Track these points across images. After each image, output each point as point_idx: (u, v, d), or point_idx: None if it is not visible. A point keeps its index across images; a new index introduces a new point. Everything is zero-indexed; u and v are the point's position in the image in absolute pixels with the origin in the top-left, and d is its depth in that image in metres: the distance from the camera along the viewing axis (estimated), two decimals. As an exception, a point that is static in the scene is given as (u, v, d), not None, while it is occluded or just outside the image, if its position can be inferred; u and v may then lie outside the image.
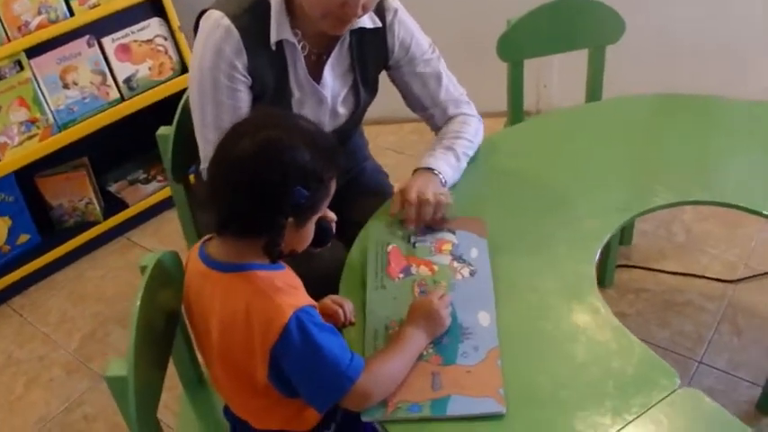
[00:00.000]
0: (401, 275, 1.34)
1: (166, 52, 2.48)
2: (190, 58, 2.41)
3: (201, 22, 1.45)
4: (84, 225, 2.45)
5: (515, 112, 2.24)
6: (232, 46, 1.40)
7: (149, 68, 2.45)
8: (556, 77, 2.93)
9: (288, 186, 1.04)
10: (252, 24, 1.41)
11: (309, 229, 1.13)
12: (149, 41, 2.45)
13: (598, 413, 1.10)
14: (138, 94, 2.43)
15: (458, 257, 1.38)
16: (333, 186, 1.13)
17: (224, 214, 1.08)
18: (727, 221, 2.37)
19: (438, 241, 1.41)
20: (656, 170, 1.59)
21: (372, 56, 1.55)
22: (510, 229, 1.45)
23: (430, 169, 1.49)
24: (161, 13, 2.46)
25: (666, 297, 2.15)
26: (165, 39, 2.48)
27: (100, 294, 2.34)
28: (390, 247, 1.40)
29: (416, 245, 1.41)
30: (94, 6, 2.30)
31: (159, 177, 2.63)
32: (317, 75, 1.52)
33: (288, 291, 1.08)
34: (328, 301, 1.27)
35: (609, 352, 1.21)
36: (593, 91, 2.27)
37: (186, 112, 1.68)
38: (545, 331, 1.26)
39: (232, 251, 1.10)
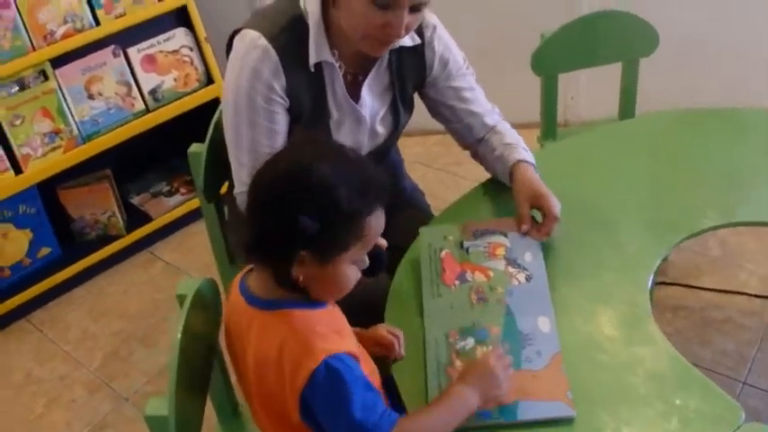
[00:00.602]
0: (457, 282, 1.32)
1: (192, 63, 2.44)
2: (215, 69, 2.44)
3: (236, 42, 1.41)
4: (107, 238, 2.41)
5: (549, 125, 2.21)
6: (270, 67, 1.36)
7: (175, 79, 2.42)
8: (584, 89, 2.88)
9: (296, 213, 0.98)
10: (289, 44, 1.37)
11: (341, 271, 1.04)
12: (175, 52, 2.42)
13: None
14: (163, 106, 2.39)
15: (512, 261, 1.36)
16: (370, 225, 1.04)
17: (249, 237, 1.05)
18: (763, 235, 2.32)
19: (491, 245, 1.39)
20: (700, 189, 1.54)
21: (412, 73, 1.52)
22: (557, 256, 1.40)
23: (532, 165, 1.49)
24: (187, 23, 2.43)
25: (705, 314, 2.10)
26: (191, 49, 2.44)
27: (122, 311, 2.30)
28: (444, 252, 1.38)
29: (470, 250, 1.38)
30: (120, 16, 2.26)
31: (183, 190, 2.60)
32: (354, 94, 1.48)
33: (327, 335, 1.03)
34: (383, 330, 1.22)
35: (669, 385, 1.16)
36: (627, 104, 2.24)
37: (219, 129, 1.64)
38: (602, 363, 1.21)
39: (267, 285, 1.07)
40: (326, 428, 1.03)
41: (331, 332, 1.04)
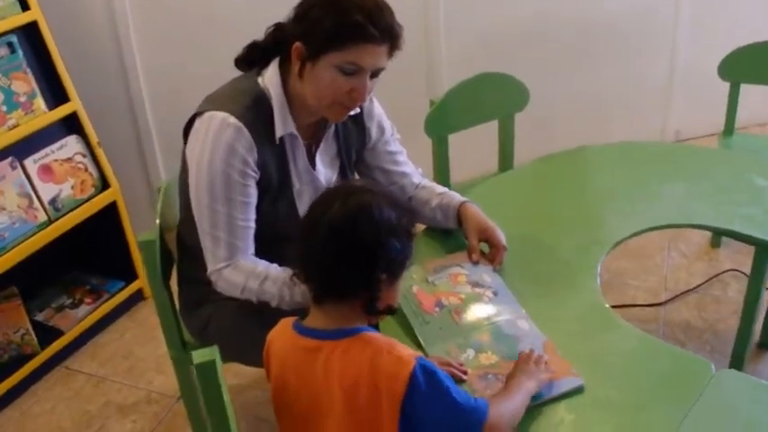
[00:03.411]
0: (437, 309, 1.45)
1: (86, 169, 2.43)
2: (110, 173, 2.44)
3: (201, 125, 1.47)
4: (21, 358, 2.28)
5: (443, 183, 2.41)
6: (244, 144, 1.43)
7: (72, 187, 2.38)
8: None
9: (382, 243, 1.11)
10: (257, 121, 1.46)
11: (400, 284, 1.19)
12: (69, 159, 2.39)
13: (656, 409, 1.23)
14: (63, 215, 2.34)
15: (475, 283, 1.52)
16: None
17: (323, 282, 1.13)
18: (639, 256, 2.64)
19: (452, 275, 1.54)
20: (609, 208, 1.81)
21: (355, 140, 1.66)
22: (508, 276, 1.56)
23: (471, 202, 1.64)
24: (78, 130, 2.42)
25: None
26: (84, 156, 2.43)
27: (56, 428, 2.16)
28: (415, 288, 1.51)
29: (435, 282, 1.52)
30: (13, 127, 2.23)
31: (87, 300, 2.52)
32: (311, 164, 1.59)
33: (404, 346, 1.13)
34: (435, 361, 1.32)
35: (642, 357, 1.36)
36: (506, 156, 2.48)
37: (165, 217, 1.69)
38: (582, 350, 1.37)
39: (337, 318, 1.15)
40: (430, 425, 1.10)
41: (399, 343, 1.15)
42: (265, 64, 1.51)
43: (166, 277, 1.72)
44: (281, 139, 1.50)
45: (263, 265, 1.50)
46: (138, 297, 2.61)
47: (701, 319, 2.36)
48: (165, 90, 2.69)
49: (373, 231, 1.10)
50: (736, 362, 2.05)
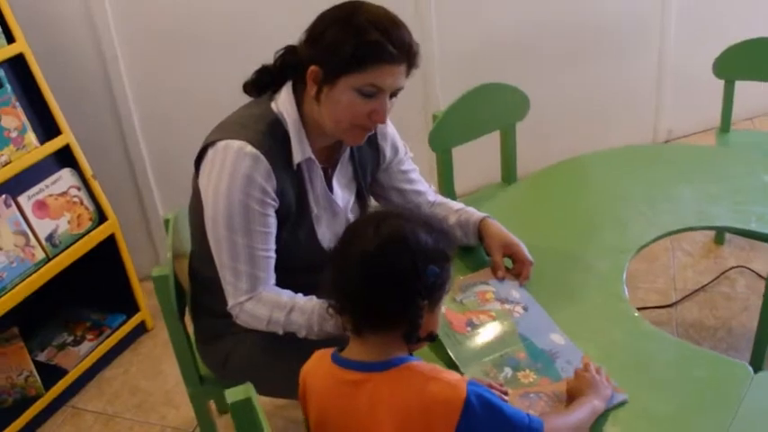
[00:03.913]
0: (468, 329, 1.42)
1: (82, 203, 2.37)
2: (107, 205, 2.39)
3: (216, 155, 1.41)
4: (26, 401, 2.21)
5: (449, 197, 2.38)
6: (262, 173, 1.39)
7: (68, 222, 2.32)
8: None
9: (419, 270, 1.07)
10: (274, 148, 1.41)
11: (441, 309, 1.16)
12: (64, 194, 2.33)
13: (701, 417, 1.22)
14: (62, 251, 2.28)
15: (504, 300, 1.50)
16: None
17: (361, 314, 1.09)
18: (645, 258, 2.63)
19: (479, 293, 1.52)
20: (628, 211, 1.79)
21: (370, 162, 1.63)
22: (537, 289, 1.53)
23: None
24: (71, 163, 2.37)
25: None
26: (79, 189, 2.37)
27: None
28: (444, 308, 1.45)
29: (464, 301, 1.50)
30: (6, 164, 2.17)
31: (89, 336, 2.45)
32: (329, 188, 1.55)
33: (446, 370, 1.10)
34: None
35: (681, 365, 1.34)
36: (509, 165, 2.47)
37: (174, 248, 1.65)
38: (619, 361, 1.36)
39: (379, 348, 1.11)
40: None
41: (447, 369, 1.12)
42: (277, 88, 1.47)
43: (181, 312, 1.67)
44: (298, 164, 1.46)
45: (287, 296, 1.46)
46: (140, 330, 2.55)
47: (713, 318, 2.35)
48: (156, 117, 2.63)
49: (410, 259, 1.07)
50: (756, 360, 2.04)
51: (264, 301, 1.45)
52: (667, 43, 3.26)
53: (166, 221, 1.75)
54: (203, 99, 2.57)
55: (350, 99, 1.37)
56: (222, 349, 1.63)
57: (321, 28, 1.37)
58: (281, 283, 1.50)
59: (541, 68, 3.04)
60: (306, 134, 1.45)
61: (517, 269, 1.56)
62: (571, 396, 1.22)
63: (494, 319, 1.45)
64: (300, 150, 1.45)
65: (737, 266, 2.54)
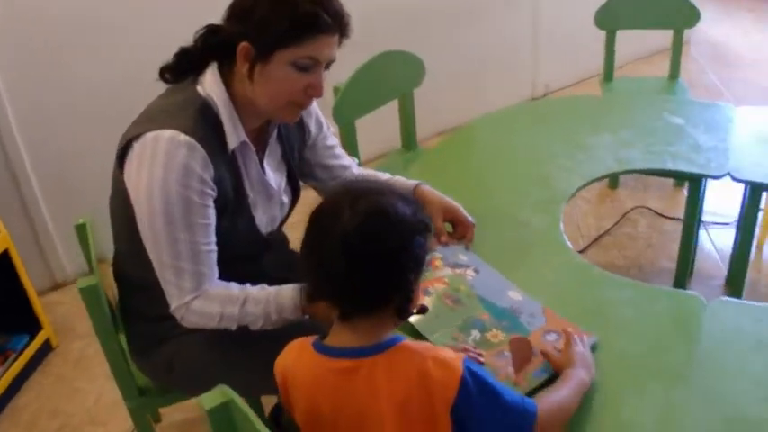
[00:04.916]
0: (426, 298, 1.41)
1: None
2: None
3: (144, 149, 1.30)
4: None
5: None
6: (198, 161, 1.29)
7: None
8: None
9: (406, 244, 1.03)
10: (207, 134, 1.32)
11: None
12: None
13: (670, 348, 1.27)
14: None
15: (454, 265, 1.49)
16: None
17: (349, 298, 1.04)
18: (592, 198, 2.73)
19: (428, 262, 1.50)
20: (550, 167, 1.84)
21: (297, 140, 1.57)
22: (481, 248, 1.55)
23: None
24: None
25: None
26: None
27: None
28: None
29: None
30: None
31: (-10, 362, 2.25)
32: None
33: (440, 348, 1.07)
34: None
35: (635, 299, 1.39)
36: (409, 132, 2.47)
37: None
38: (574, 302, 1.40)
39: (369, 332, 1.06)
40: (481, 427, 1.05)
41: (442, 347, 1.09)
42: (199, 72, 1.38)
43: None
44: (233, 149, 1.39)
45: (237, 288, 1.39)
46: (46, 349, 2.37)
47: (623, 258, 2.47)
48: (37, 123, 2.42)
49: (396, 233, 1.03)
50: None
51: (213, 298, 1.37)
52: (540, 1, 3.37)
53: (80, 227, 1.62)
54: (88, 98, 2.39)
55: (286, 74, 1.30)
56: (164, 355, 1.52)
57: (250, 3, 1.29)
58: (220, 275, 1.42)
59: (421, 36, 3.06)
60: (238, 117, 1.38)
61: (459, 232, 1.56)
62: (558, 370, 1.22)
63: (448, 285, 1.44)
64: (235, 135, 1.37)
65: (636, 207, 2.68)
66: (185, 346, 1.50)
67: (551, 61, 3.57)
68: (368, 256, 1.01)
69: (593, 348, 1.27)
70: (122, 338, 1.60)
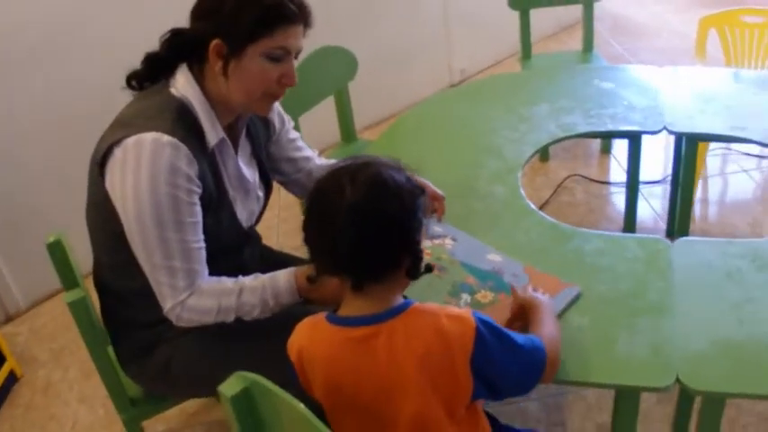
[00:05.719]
0: None
1: None
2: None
3: (127, 153, 1.31)
4: None
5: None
6: (184, 159, 1.32)
7: None
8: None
9: (409, 208, 1.10)
10: (186, 133, 1.35)
11: None
12: None
13: (648, 288, 1.38)
14: None
15: (431, 237, 1.57)
16: None
17: (362, 268, 1.10)
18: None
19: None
20: (499, 140, 1.94)
21: (263, 135, 1.61)
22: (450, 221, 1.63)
23: None
24: None
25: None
26: None
27: None
28: None
29: None
30: None
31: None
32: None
33: (448, 306, 1.14)
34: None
35: (608, 250, 1.50)
36: (347, 125, 2.52)
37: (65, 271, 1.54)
38: (554, 256, 1.50)
39: (382, 298, 1.12)
40: (502, 377, 1.12)
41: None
42: (168, 75, 1.40)
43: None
44: (213, 147, 1.41)
45: (229, 281, 1.41)
46: (11, 380, 2.29)
47: (568, 224, 2.59)
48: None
49: (398, 199, 1.09)
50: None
51: (207, 293, 1.40)
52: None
53: (53, 245, 1.60)
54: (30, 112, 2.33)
55: (260, 66, 1.35)
56: (158, 359, 1.53)
57: (216, 2, 1.33)
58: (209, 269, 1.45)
59: (349, 25, 3.12)
60: (215, 114, 1.41)
61: (431, 206, 1.63)
62: (524, 315, 1.30)
63: (430, 256, 1.51)
64: (213, 132, 1.39)
65: (570, 176, 2.82)
66: (180, 348, 1.51)
67: (465, 46, 3.69)
68: (377, 223, 1.07)
69: (578, 298, 1.37)
70: (110, 350, 1.60)
